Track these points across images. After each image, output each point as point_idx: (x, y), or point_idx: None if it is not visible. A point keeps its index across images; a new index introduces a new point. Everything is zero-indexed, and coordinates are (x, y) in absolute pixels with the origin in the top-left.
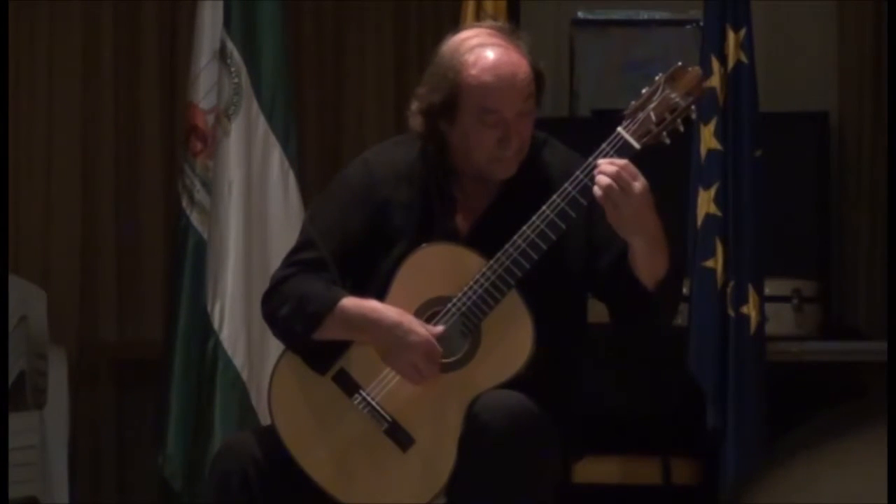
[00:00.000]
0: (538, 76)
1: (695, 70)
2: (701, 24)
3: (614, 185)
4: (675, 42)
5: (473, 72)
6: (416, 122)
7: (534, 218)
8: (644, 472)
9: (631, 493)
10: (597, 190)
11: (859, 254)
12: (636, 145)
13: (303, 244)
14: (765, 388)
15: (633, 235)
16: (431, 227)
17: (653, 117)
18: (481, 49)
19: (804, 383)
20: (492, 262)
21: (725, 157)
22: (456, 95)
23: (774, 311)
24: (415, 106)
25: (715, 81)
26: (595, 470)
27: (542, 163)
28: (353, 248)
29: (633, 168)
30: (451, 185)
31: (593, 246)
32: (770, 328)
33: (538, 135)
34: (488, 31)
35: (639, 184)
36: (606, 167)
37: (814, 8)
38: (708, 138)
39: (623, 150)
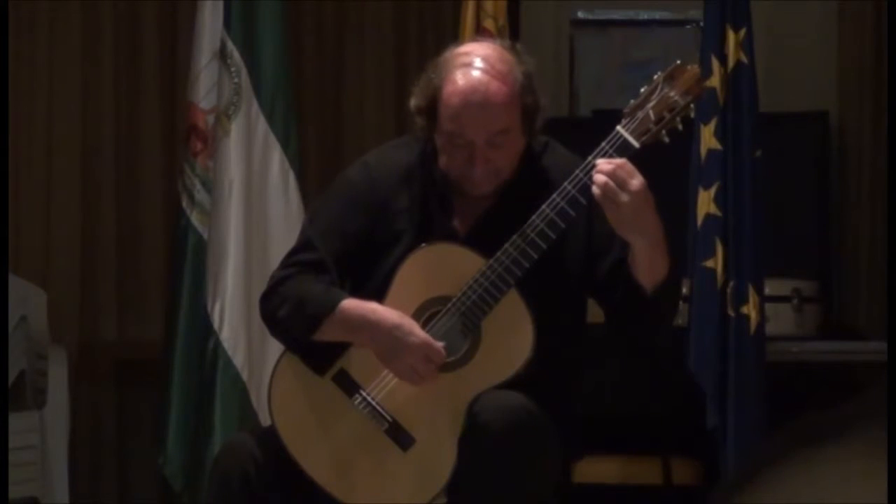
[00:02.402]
0: (527, 110)
1: (693, 69)
2: (701, 24)
3: (611, 182)
4: (675, 42)
5: (447, 91)
6: (416, 119)
7: (534, 217)
8: (644, 472)
9: (631, 493)
10: (595, 189)
11: (859, 254)
12: (635, 144)
13: (302, 245)
14: (765, 388)
15: (634, 234)
16: (431, 230)
17: (652, 116)
18: (464, 70)
19: (804, 383)
20: (492, 261)
21: (725, 157)
22: (435, 106)
23: (774, 311)
24: (412, 102)
25: (715, 81)
26: (595, 470)
27: (542, 167)
28: (352, 249)
29: (630, 166)
30: (449, 187)
31: (593, 250)
32: (770, 328)
33: (539, 138)
34: (489, 50)
35: (636, 181)
36: (604, 166)
37: (814, 8)
38: (708, 138)
39: (622, 148)
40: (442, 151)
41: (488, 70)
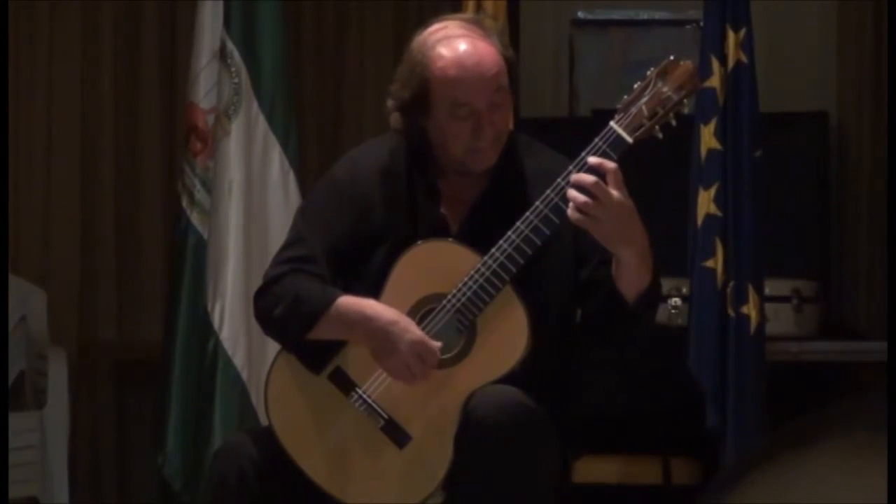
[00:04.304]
0: (509, 65)
1: (686, 64)
2: (701, 24)
3: (589, 200)
4: (675, 42)
5: (440, 65)
6: (394, 119)
7: (527, 213)
8: (644, 472)
9: (631, 493)
10: (571, 212)
11: (859, 254)
12: (629, 139)
13: (293, 241)
14: (765, 388)
15: (620, 247)
16: (417, 223)
17: (645, 111)
18: (447, 42)
19: (804, 383)
20: (486, 258)
21: (725, 157)
22: (426, 90)
23: (774, 311)
24: (390, 104)
25: (715, 81)
26: (595, 470)
27: (528, 160)
28: (341, 245)
29: (616, 177)
30: (435, 178)
31: (579, 251)
32: (770, 328)
33: (522, 137)
34: (457, 22)
35: (617, 192)
36: (583, 178)
37: (814, 8)
38: (708, 138)
39: (616, 144)
40: (442, 134)
41: (468, 35)
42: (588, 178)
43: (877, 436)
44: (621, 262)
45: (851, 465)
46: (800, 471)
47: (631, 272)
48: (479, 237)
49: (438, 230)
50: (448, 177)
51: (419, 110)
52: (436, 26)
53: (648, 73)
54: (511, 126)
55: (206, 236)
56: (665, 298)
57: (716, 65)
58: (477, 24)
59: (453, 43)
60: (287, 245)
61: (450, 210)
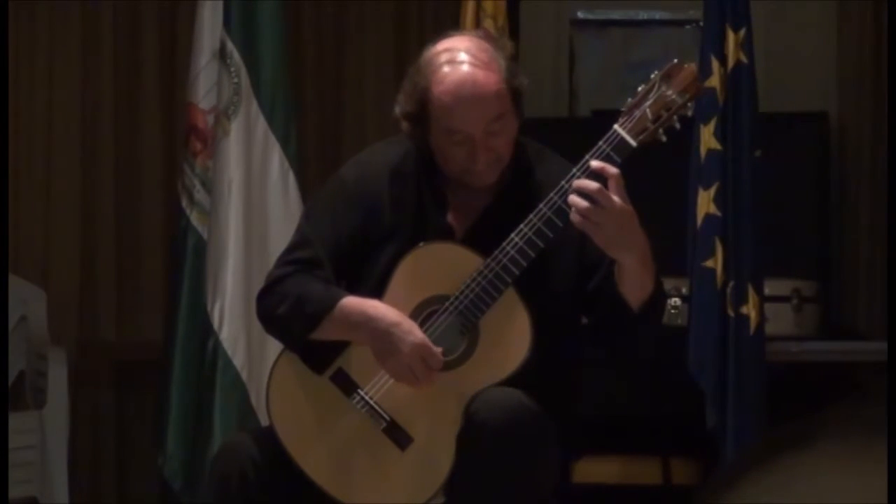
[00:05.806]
0: (516, 93)
1: (690, 67)
2: (701, 24)
3: (590, 206)
4: (674, 42)
5: (437, 90)
6: (404, 126)
7: (531, 215)
8: (644, 472)
9: (631, 493)
10: (574, 216)
11: (859, 254)
12: (633, 143)
13: (298, 243)
14: (764, 388)
15: (622, 252)
16: (425, 227)
17: (649, 115)
18: (448, 67)
19: (804, 383)
20: (489, 259)
21: (725, 157)
22: (426, 109)
23: (774, 311)
24: (397, 110)
25: (715, 81)
26: (595, 470)
27: (538, 169)
28: (346, 247)
29: (615, 183)
30: (444, 187)
31: (585, 256)
32: (769, 328)
33: (532, 145)
34: (467, 42)
35: (619, 199)
36: (585, 183)
37: (814, 8)
38: (708, 138)
39: (620, 147)
40: (440, 151)
41: (472, 61)
42: (590, 184)
43: (875, 437)
44: (623, 267)
45: (850, 466)
46: (798, 471)
47: (633, 278)
48: (483, 247)
49: (445, 237)
50: (457, 186)
51: (421, 124)
52: (444, 45)
53: (652, 76)
54: (513, 145)
55: (205, 236)
56: None
57: (716, 65)
58: (489, 44)
59: (456, 69)
60: (292, 247)
61: (457, 219)
